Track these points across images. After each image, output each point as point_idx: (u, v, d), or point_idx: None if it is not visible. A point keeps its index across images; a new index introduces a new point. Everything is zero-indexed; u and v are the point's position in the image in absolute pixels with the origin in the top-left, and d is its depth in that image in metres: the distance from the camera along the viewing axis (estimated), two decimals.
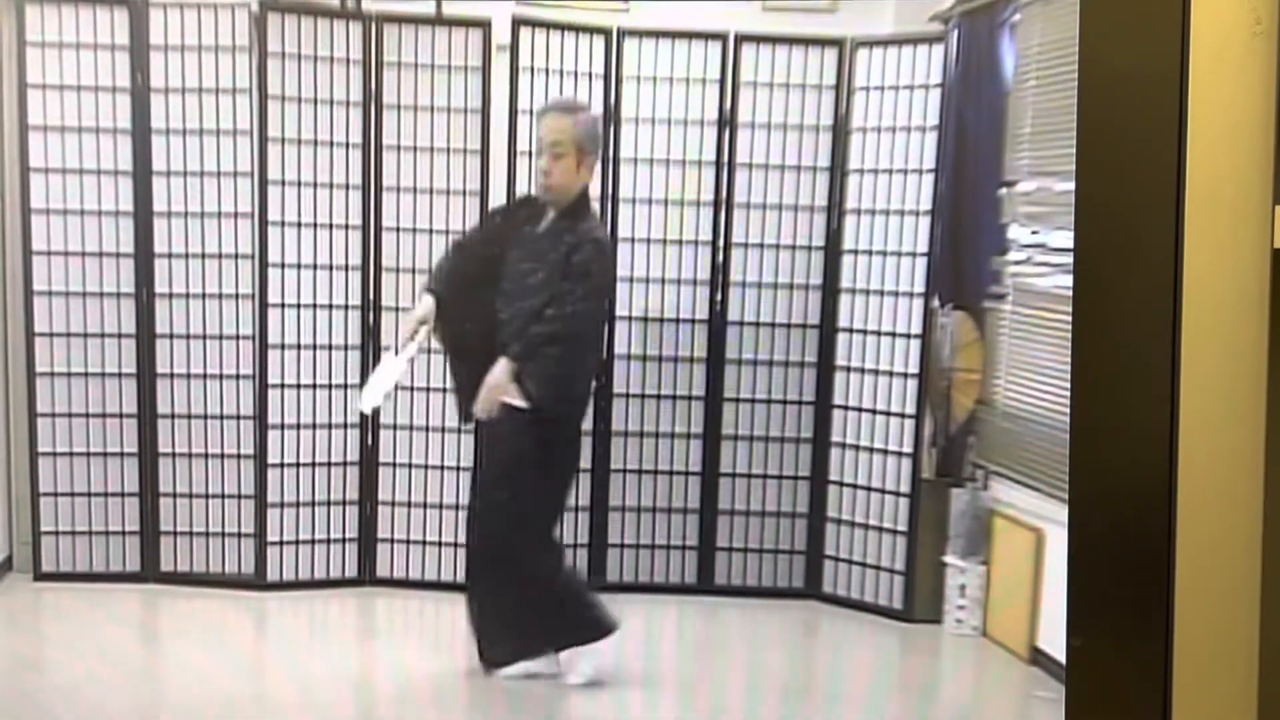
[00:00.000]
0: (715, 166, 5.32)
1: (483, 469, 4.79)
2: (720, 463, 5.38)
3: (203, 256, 5.12)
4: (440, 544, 5.22)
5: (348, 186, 5.03)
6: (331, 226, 5.16)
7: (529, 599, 4.45)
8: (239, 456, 5.15)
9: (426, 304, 4.50)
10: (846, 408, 5.31)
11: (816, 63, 5.30)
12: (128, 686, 4.27)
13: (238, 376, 5.13)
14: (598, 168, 5.00)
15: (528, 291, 4.34)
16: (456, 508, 5.20)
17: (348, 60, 5.11)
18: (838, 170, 5.31)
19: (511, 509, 4.39)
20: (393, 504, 5.21)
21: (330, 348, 5.17)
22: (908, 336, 5.17)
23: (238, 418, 5.15)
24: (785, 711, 4.40)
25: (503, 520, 4.40)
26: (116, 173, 5.08)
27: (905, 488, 5.19)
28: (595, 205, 4.67)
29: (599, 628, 4.43)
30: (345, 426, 5.22)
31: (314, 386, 5.18)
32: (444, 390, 5.17)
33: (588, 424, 5.32)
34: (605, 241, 4.54)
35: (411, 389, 5.18)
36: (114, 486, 5.15)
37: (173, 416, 5.15)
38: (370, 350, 5.15)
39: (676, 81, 5.30)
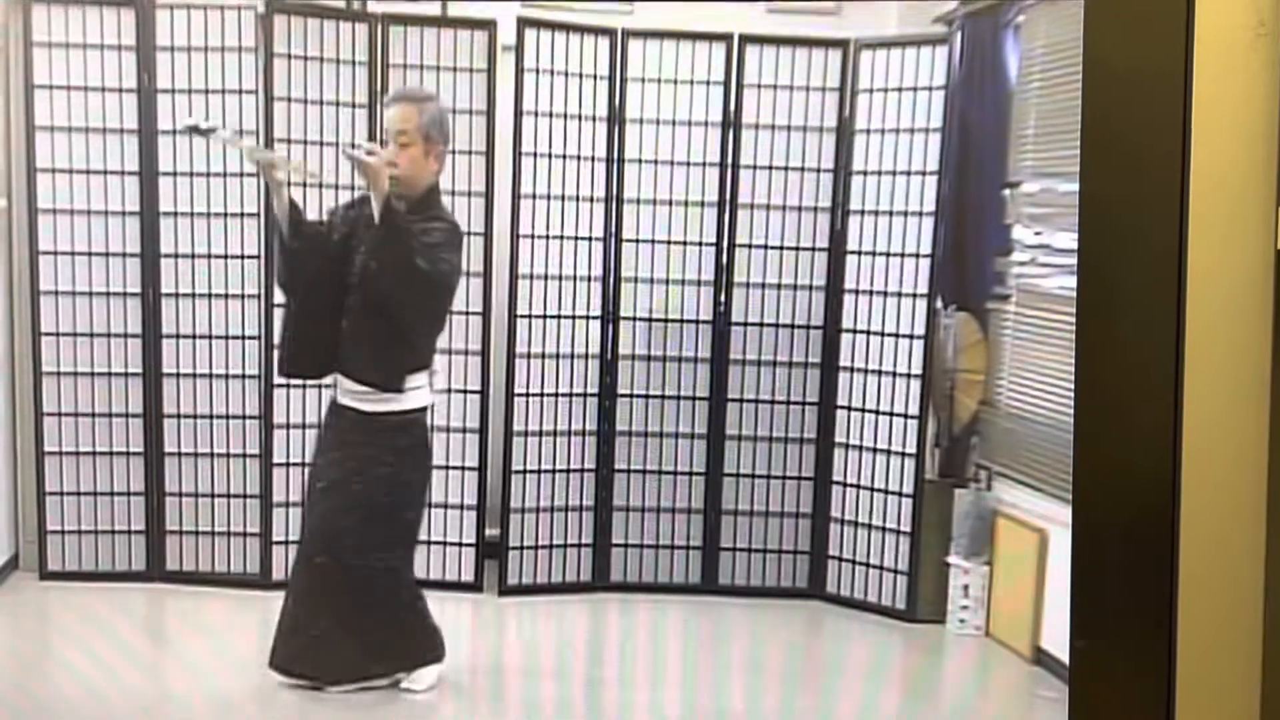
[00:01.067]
0: (719, 167, 5.33)
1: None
2: (724, 463, 5.39)
3: (209, 257, 5.12)
4: (445, 544, 5.22)
5: (353, 187, 5.02)
6: None
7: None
8: (245, 456, 5.16)
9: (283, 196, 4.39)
10: (850, 408, 5.31)
11: (820, 64, 5.31)
12: (133, 685, 4.27)
13: (244, 376, 5.13)
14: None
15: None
16: (461, 507, 5.21)
17: (353, 61, 5.11)
18: (841, 171, 5.31)
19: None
20: None
21: None
22: (911, 337, 5.17)
23: (243, 417, 5.15)
24: (788, 711, 4.40)
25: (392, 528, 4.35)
26: (123, 173, 5.08)
27: (909, 488, 5.19)
28: (446, 200, 4.51)
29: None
30: None
31: (319, 386, 5.17)
32: (449, 391, 5.18)
33: (591, 424, 5.34)
34: (458, 229, 4.29)
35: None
36: (120, 485, 5.16)
37: (179, 416, 5.15)
38: None
39: (681, 83, 5.30)
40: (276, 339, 4.52)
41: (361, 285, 4.17)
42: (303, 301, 4.32)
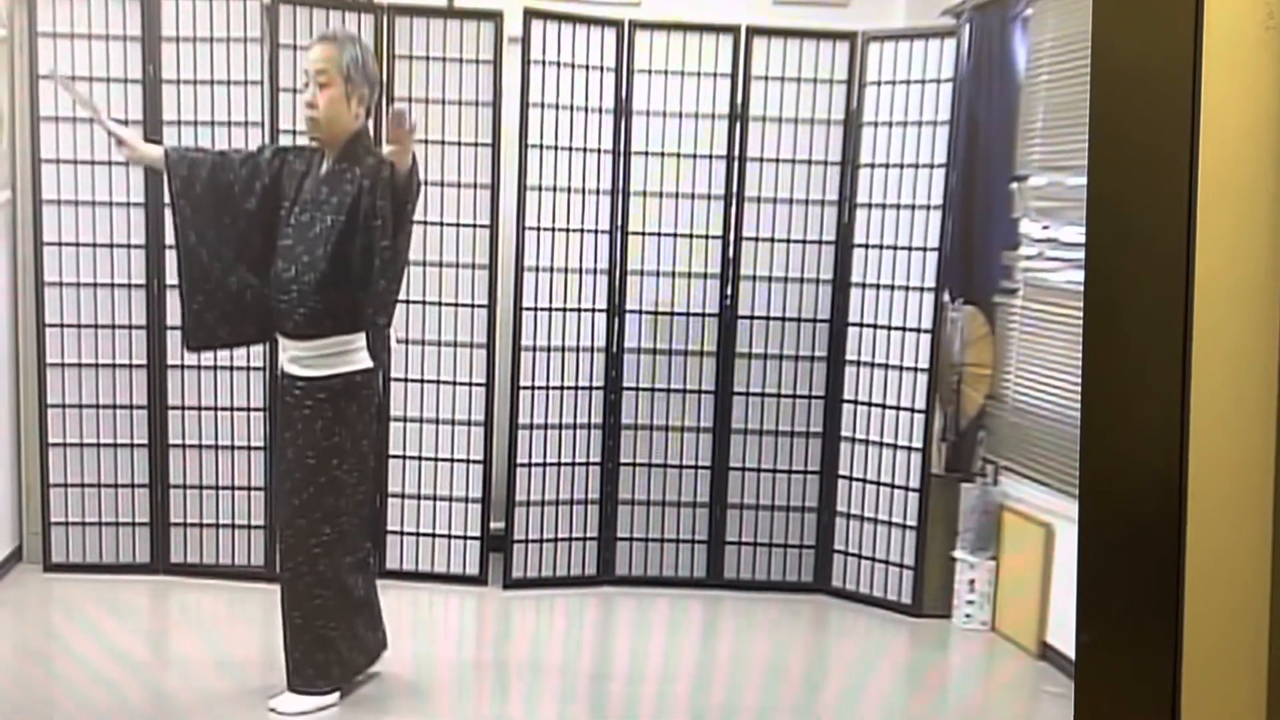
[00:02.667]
0: (726, 160, 5.32)
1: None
2: (730, 457, 5.39)
3: None
4: (450, 536, 5.23)
5: None
6: None
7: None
8: (249, 448, 5.16)
9: (148, 150, 4.18)
10: (856, 402, 5.31)
11: (828, 57, 5.30)
12: (137, 677, 4.28)
13: (248, 368, 5.13)
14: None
15: (312, 243, 3.93)
16: (466, 500, 5.21)
17: None
18: (849, 165, 5.31)
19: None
20: (402, 496, 5.21)
21: None
22: (918, 331, 5.17)
23: (248, 409, 5.15)
24: (795, 705, 4.40)
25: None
26: (128, 164, 5.07)
27: (915, 483, 5.18)
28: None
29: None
30: None
31: None
32: (454, 384, 5.18)
33: (597, 417, 5.34)
34: (400, 171, 3.82)
35: (422, 381, 5.18)
36: (124, 478, 5.17)
37: (183, 408, 5.15)
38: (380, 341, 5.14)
39: (688, 75, 5.30)
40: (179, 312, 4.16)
41: (330, 238, 3.90)
42: (215, 252, 4.07)
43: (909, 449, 5.19)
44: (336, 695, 4.09)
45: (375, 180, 3.81)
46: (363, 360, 3.95)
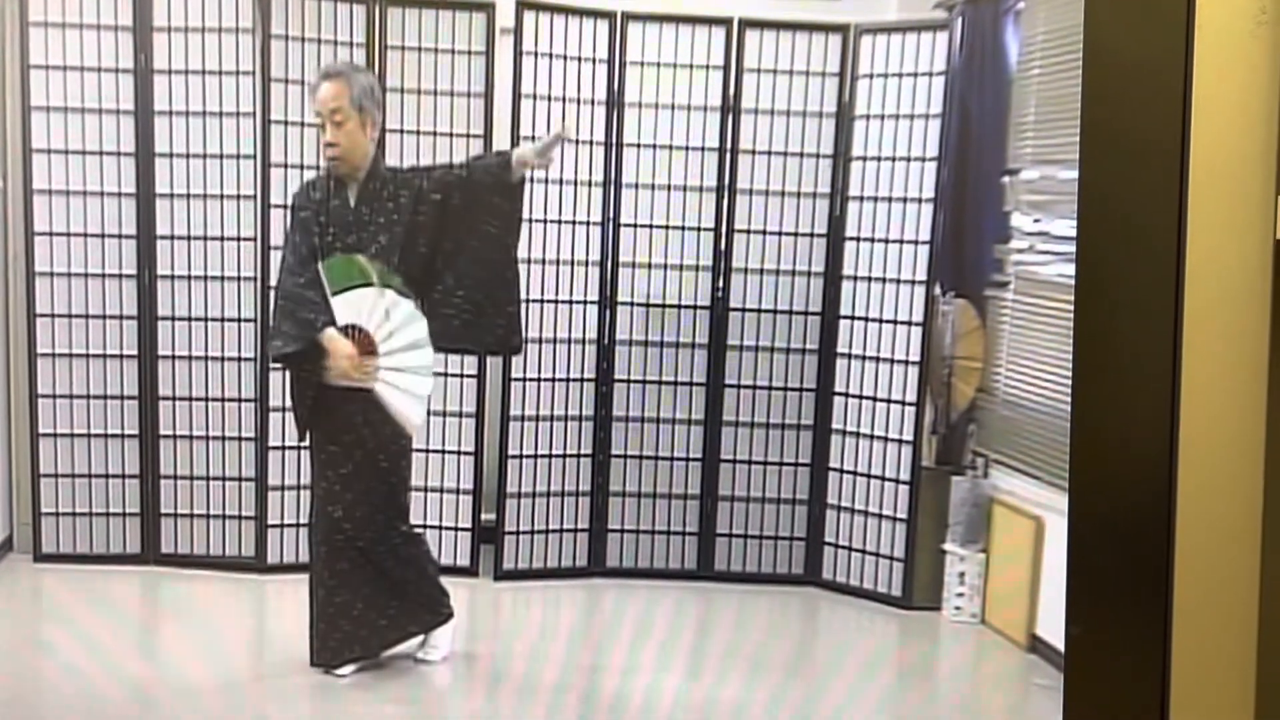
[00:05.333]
0: (718, 152, 5.32)
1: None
2: (721, 449, 5.39)
3: (205, 239, 5.11)
4: (440, 528, 5.22)
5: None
6: None
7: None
8: (240, 439, 5.16)
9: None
10: (847, 395, 5.31)
11: (820, 49, 5.29)
12: (127, 668, 4.27)
13: (239, 359, 5.12)
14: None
15: (387, 252, 4.22)
16: (458, 492, 5.21)
17: (351, 43, 5.09)
18: (841, 157, 5.30)
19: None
20: None
21: None
22: (909, 324, 5.17)
23: (239, 400, 5.14)
24: (784, 697, 4.40)
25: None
26: (119, 154, 5.07)
27: (905, 475, 5.19)
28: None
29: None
30: None
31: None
32: (445, 375, 5.17)
33: (588, 409, 5.34)
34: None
35: None
36: (115, 468, 5.15)
37: (174, 398, 5.15)
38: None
39: (680, 67, 5.29)
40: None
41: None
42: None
43: (899, 442, 5.20)
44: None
45: (423, 181, 4.22)
46: None
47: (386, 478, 4.32)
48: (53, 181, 5.04)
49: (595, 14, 5.24)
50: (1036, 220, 4.81)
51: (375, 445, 4.28)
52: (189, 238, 5.10)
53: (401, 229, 4.21)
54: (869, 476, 5.26)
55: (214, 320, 5.12)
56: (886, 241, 5.21)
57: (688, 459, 5.39)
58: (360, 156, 4.22)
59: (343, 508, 4.25)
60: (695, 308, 5.35)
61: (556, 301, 5.25)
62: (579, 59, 5.22)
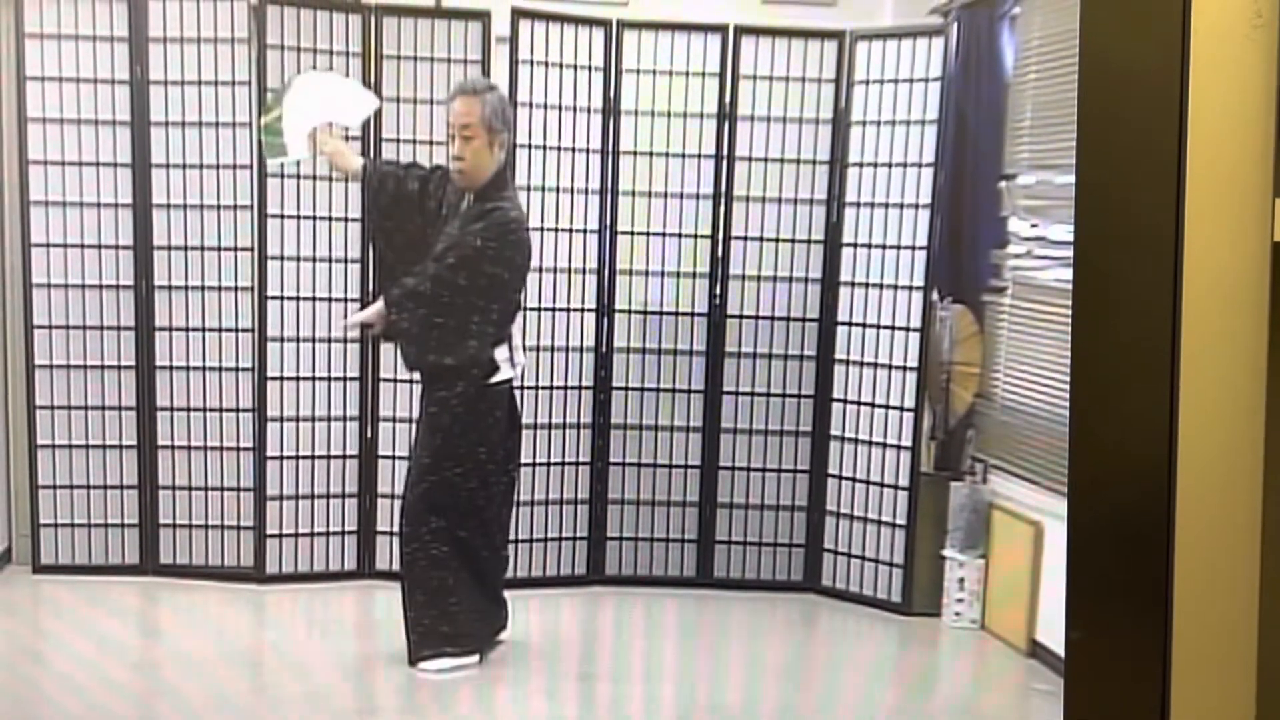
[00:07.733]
0: (715, 159, 5.32)
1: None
2: (719, 456, 5.39)
3: (202, 249, 5.11)
4: None
5: (347, 180, 5.02)
6: (331, 219, 5.16)
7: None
8: (238, 449, 5.16)
9: (353, 161, 4.60)
10: (845, 401, 5.31)
11: (816, 56, 5.30)
12: (126, 678, 4.27)
13: (237, 369, 5.13)
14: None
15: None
16: None
17: (347, 53, 5.10)
18: (837, 163, 5.31)
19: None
20: (392, 497, 5.19)
21: (330, 341, 5.17)
22: (907, 330, 5.17)
23: (237, 410, 5.15)
24: (784, 704, 4.40)
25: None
26: (115, 165, 5.07)
27: (904, 481, 5.19)
28: (513, 187, 4.59)
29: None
30: (345, 419, 5.23)
31: (313, 379, 5.18)
32: None
33: (586, 416, 5.34)
34: (511, 218, 4.35)
35: (411, 382, 5.17)
36: (113, 479, 5.16)
37: (172, 409, 5.15)
38: (369, 342, 5.15)
39: (676, 74, 5.30)
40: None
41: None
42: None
43: (898, 448, 5.20)
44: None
45: (485, 220, 4.28)
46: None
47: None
48: (50, 193, 5.05)
49: (591, 22, 5.25)
50: (1033, 225, 4.82)
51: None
52: (186, 248, 5.11)
53: (458, 252, 4.28)
54: (868, 482, 5.26)
55: (211, 331, 5.13)
56: (884, 247, 5.21)
57: (686, 466, 5.39)
58: (482, 174, 4.32)
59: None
60: (693, 315, 5.36)
61: (554, 309, 5.26)
62: (575, 67, 5.22)
